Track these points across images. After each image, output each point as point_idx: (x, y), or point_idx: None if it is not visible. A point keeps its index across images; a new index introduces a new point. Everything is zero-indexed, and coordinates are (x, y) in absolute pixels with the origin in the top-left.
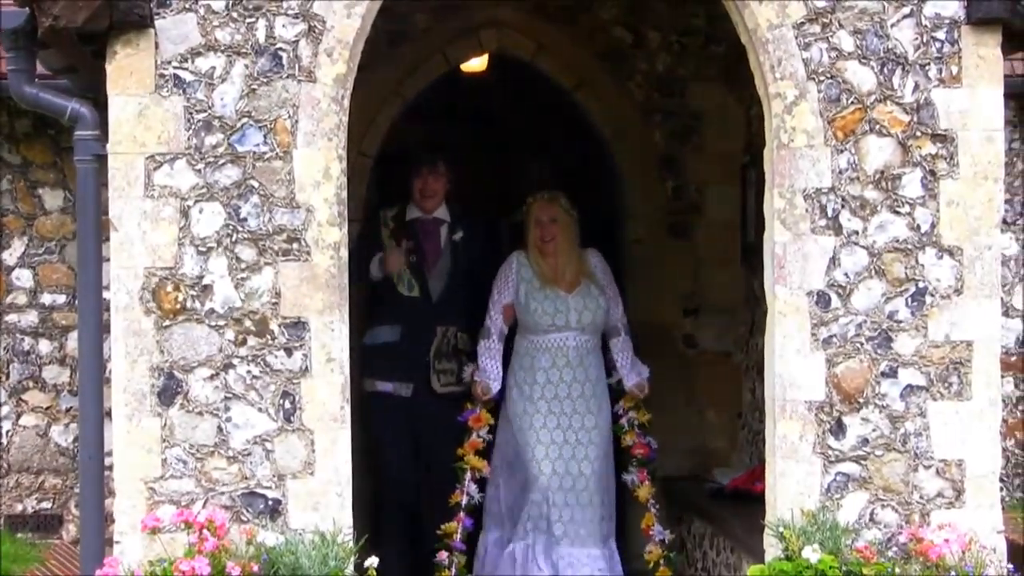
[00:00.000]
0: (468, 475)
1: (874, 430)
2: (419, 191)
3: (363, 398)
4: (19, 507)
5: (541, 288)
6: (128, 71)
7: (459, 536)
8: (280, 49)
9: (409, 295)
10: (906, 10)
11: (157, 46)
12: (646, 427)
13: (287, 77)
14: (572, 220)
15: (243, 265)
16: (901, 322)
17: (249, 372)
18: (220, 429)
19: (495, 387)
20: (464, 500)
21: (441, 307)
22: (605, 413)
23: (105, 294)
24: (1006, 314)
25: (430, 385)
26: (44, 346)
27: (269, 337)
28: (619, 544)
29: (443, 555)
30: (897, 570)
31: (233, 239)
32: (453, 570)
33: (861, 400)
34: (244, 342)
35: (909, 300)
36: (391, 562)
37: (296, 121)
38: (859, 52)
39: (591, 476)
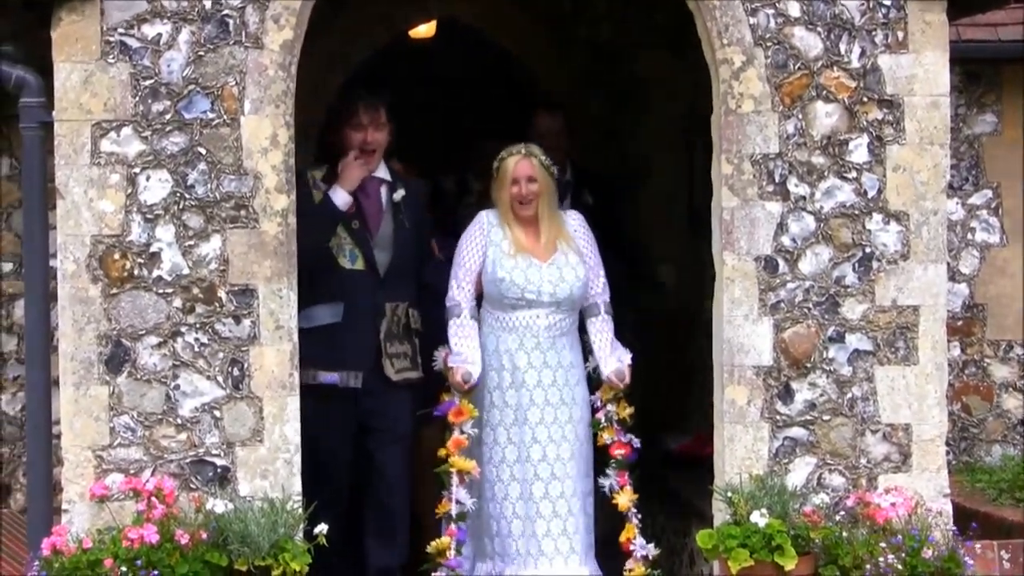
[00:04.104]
0: (455, 479)
1: (821, 395)
2: (359, 146)
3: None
4: None
5: (512, 255)
6: (73, 38)
7: (453, 552)
8: (227, 15)
9: (352, 268)
10: None
11: (103, 12)
12: (627, 423)
13: (234, 43)
14: (551, 180)
15: (191, 232)
16: (848, 287)
17: (197, 340)
18: (168, 397)
19: (476, 372)
20: (454, 509)
21: (389, 281)
22: (583, 404)
23: (52, 262)
24: (952, 279)
25: (383, 372)
26: None
27: (217, 305)
28: None
29: None
30: (844, 534)
31: (180, 206)
32: None
33: (808, 365)
34: (192, 310)
35: (856, 265)
36: None
37: (243, 88)
38: (806, 18)
39: (567, 480)
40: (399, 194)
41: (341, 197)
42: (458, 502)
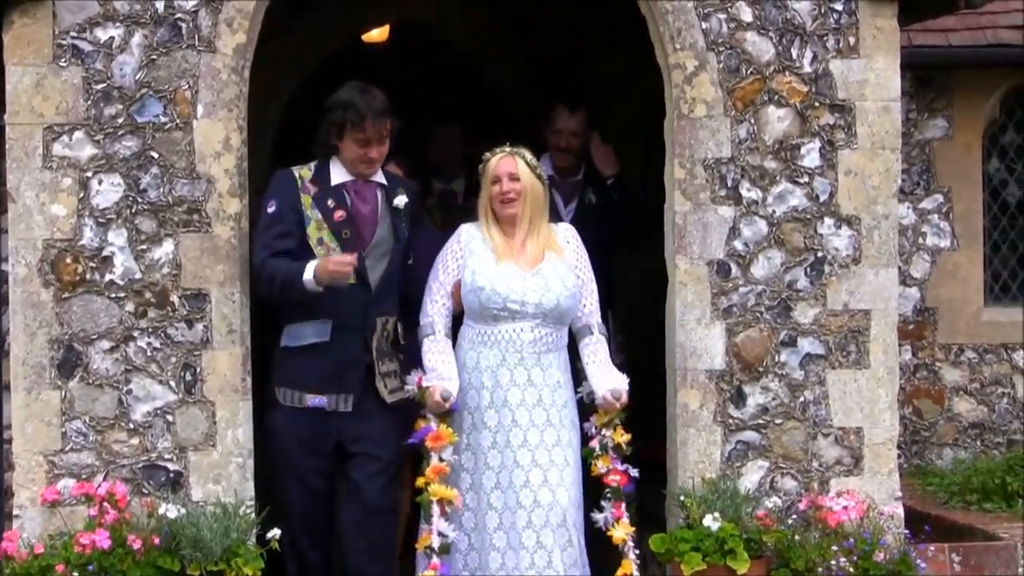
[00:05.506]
0: (435, 509)
1: (774, 399)
2: (360, 159)
3: (269, 416)
4: None
5: (495, 263)
6: (25, 41)
7: None
8: (179, 19)
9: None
10: None
11: (55, 16)
12: (622, 450)
13: (187, 47)
14: (540, 183)
15: (143, 236)
16: (800, 291)
17: (150, 344)
18: (121, 402)
19: (454, 389)
20: (436, 542)
21: (380, 294)
22: (572, 428)
23: (3, 266)
24: (904, 283)
25: (376, 395)
26: None
27: (170, 309)
28: None
29: None
30: (797, 537)
31: (133, 210)
32: None
33: (761, 369)
34: (144, 314)
35: (808, 269)
36: None
37: (196, 92)
38: (758, 23)
39: (557, 506)
40: (401, 199)
41: (310, 284)
42: (440, 534)
